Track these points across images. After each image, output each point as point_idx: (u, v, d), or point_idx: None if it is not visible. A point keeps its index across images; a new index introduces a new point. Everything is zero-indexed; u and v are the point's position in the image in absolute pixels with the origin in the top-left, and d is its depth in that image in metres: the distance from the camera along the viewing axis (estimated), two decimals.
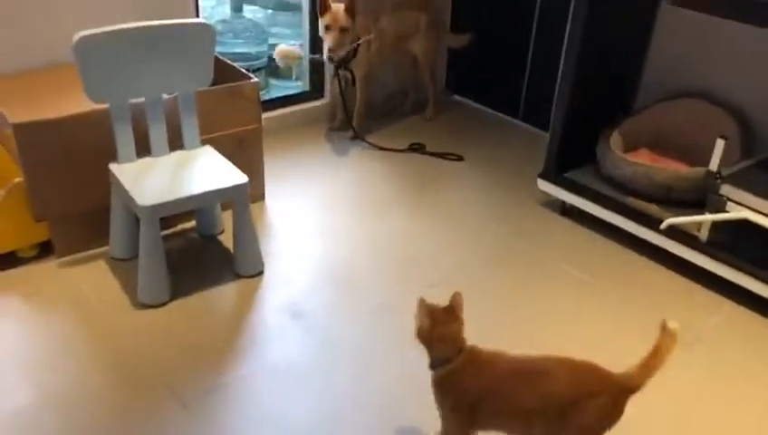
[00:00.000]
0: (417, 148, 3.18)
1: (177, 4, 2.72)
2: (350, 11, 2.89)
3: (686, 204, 2.40)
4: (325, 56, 2.99)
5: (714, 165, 2.22)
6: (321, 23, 2.92)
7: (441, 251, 2.48)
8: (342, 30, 2.90)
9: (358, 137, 3.21)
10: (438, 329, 1.52)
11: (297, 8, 3.43)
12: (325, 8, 2.90)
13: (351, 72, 3.13)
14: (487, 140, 3.31)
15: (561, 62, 2.49)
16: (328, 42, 2.92)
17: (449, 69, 3.71)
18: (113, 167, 2.16)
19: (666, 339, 1.48)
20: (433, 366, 1.55)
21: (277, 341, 2.04)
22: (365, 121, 3.28)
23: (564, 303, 2.25)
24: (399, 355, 1.97)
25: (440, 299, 2.21)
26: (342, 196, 2.80)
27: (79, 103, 2.14)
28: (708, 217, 2.24)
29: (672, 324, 1.47)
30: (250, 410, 1.80)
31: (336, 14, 2.89)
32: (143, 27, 2.08)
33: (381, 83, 3.44)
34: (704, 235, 2.29)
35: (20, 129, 2.08)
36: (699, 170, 2.34)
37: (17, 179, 2.16)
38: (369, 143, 3.18)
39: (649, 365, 1.48)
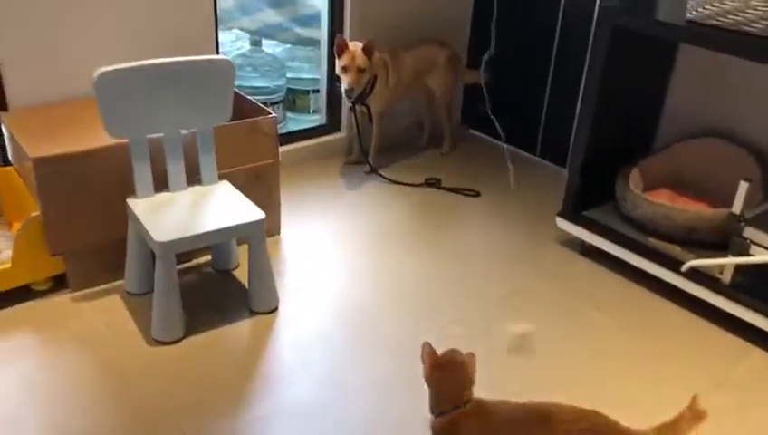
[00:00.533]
0: (433, 182, 3.17)
1: (197, 39, 2.74)
2: (368, 51, 2.91)
3: (707, 245, 2.36)
4: (343, 93, 3.00)
5: (737, 207, 2.19)
6: (339, 63, 2.93)
7: (457, 289, 2.45)
8: (360, 71, 2.91)
9: (374, 171, 3.20)
10: (439, 375, 1.50)
11: (315, 43, 3.46)
12: (342, 49, 2.91)
13: (368, 107, 3.13)
14: (504, 176, 3.29)
15: (579, 99, 2.48)
16: (345, 82, 2.93)
17: (465, 104, 3.71)
18: (131, 201, 2.16)
19: (690, 414, 1.43)
20: (432, 411, 1.52)
21: (291, 381, 2.00)
22: (381, 155, 3.28)
23: (584, 344, 2.21)
24: (414, 397, 1.92)
25: (456, 338, 2.17)
26: (358, 231, 2.78)
27: (98, 138, 2.15)
28: (732, 260, 2.20)
29: (702, 404, 1.42)
30: None
31: (353, 55, 2.90)
32: (163, 63, 2.09)
33: (397, 117, 3.44)
34: (726, 277, 2.24)
35: (39, 162, 2.08)
36: (722, 212, 2.31)
37: (34, 213, 2.16)
38: (385, 178, 3.17)
39: (663, 433, 1.43)
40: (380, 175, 3.18)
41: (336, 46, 2.92)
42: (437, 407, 1.53)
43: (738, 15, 2.10)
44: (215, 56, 2.66)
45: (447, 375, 1.51)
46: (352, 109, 3.13)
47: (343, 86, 2.95)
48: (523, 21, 3.34)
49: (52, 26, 2.42)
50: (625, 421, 1.91)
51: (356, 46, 2.91)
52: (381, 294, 2.41)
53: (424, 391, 1.57)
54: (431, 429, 1.54)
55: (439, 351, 1.56)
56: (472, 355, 1.54)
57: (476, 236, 2.80)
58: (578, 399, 1.99)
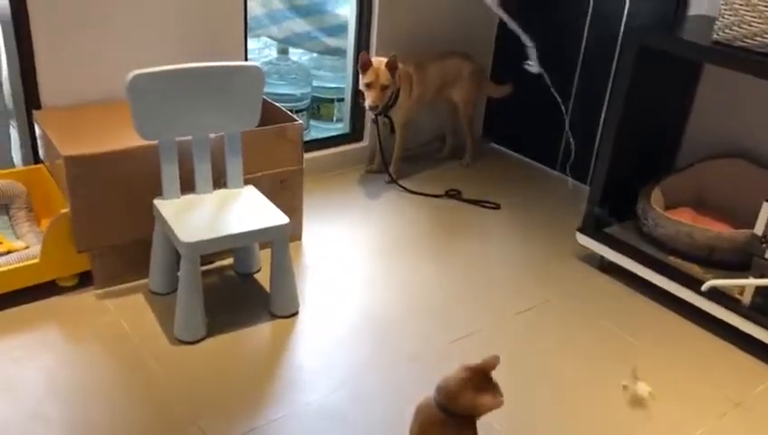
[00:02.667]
0: (453, 194, 3.19)
1: (227, 46, 2.79)
2: (391, 67, 2.94)
3: (728, 265, 2.36)
4: (367, 109, 3.04)
5: (759, 229, 2.19)
6: (363, 79, 2.96)
7: (475, 302, 2.46)
8: (383, 88, 2.95)
9: (394, 181, 3.23)
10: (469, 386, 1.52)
11: (342, 53, 3.50)
12: (367, 66, 2.94)
13: (390, 118, 3.16)
14: (525, 190, 3.30)
15: (602, 116, 2.48)
16: (369, 99, 2.96)
17: (487, 118, 3.73)
18: (158, 202, 2.20)
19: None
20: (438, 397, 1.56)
21: (310, 384, 2.02)
22: (402, 166, 3.30)
23: (600, 360, 2.21)
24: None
25: (473, 352, 2.19)
26: (378, 239, 2.81)
27: (128, 139, 2.20)
28: (753, 282, 2.20)
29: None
30: None
31: (377, 72, 2.93)
32: (195, 68, 2.13)
33: (420, 129, 3.47)
34: (747, 299, 2.24)
35: (70, 161, 2.13)
36: (744, 233, 2.31)
37: (63, 210, 2.21)
38: (406, 189, 3.19)
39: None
40: (401, 186, 3.21)
41: (360, 63, 2.95)
42: (447, 399, 1.54)
43: (765, 38, 2.12)
44: (245, 62, 2.70)
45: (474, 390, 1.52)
46: (375, 120, 3.16)
47: (367, 103, 2.98)
48: (548, 36, 3.36)
49: (88, 29, 2.47)
50: None
51: (380, 63, 2.94)
52: (400, 301, 2.43)
53: None
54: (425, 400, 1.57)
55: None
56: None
57: (495, 249, 2.82)
58: (594, 415, 2.00)
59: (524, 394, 2.05)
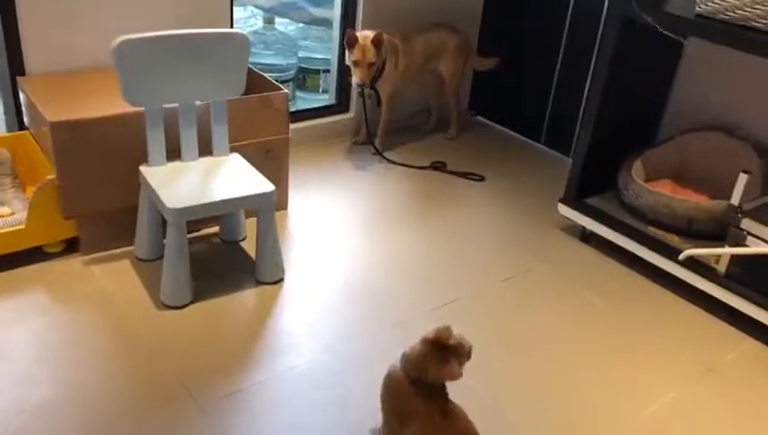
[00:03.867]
0: (438, 166, 3.22)
1: (212, 14, 2.78)
2: (377, 44, 2.94)
3: (706, 236, 2.41)
4: (353, 85, 3.05)
5: (735, 199, 2.23)
6: (349, 57, 2.97)
7: (458, 270, 2.50)
8: (370, 65, 2.96)
9: (380, 153, 3.25)
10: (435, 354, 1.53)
11: (328, 24, 3.49)
12: (353, 43, 2.94)
13: (377, 90, 3.17)
14: (509, 162, 3.34)
15: (586, 90, 2.52)
16: (356, 77, 2.97)
17: (473, 90, 3.75)
18: (143, 169, 2.21)
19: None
20: (404, 363, 1.58)
21: (295, 349, 2.06)
22: (388, 138, 3.32)
23: (580, 327, 2.27)
24: None
25: (455, 315, 2.23)
26: (363, 210, 2.84)
27: (114, 106, 2.20)
28: (728, 251, 2.25)
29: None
30: (266, 416, 1.82)
31: (364, 49, 2.93)
32: (181, 35, 2.13)
33: (405, 101, 3.48)
34: (722, 267, 2.30)
35: (56, 127, 2.13)
36: (720, 203, 2.36)
37: (49, 176, 2.21)
38: (391, 161, 3.22)
39: None
40: (387, 157, 3.23)
41: (346, 40, 2.95)
42: (413, 370, 1.56)
43: (746, 11, 2.15)
44: (231, 30, 2.69)
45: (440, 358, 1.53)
46: (361, 93, 3.17)
47: (354, 80, 2.99)
48: (533, 7, 3.38)
49: None
50: (617, 402, 1.99)
51: (366, 39, 2.94)
52: (384, 269, 2.46)
53: None
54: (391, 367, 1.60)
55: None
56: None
57: (479, 219, 2.86)
58: (573, 379, 2.05)
59: (506, 358, 2.10)
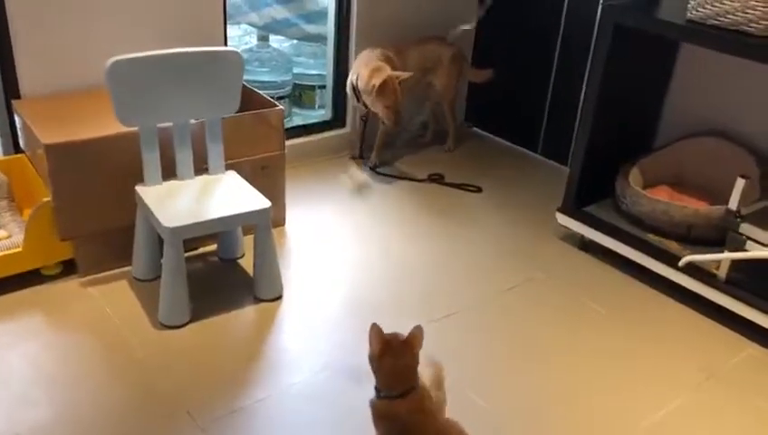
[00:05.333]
0: (436, 178, 3.21)
1: (206, 32, 2.79)
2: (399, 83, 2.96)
3: (706, 242, 2.40)
4: (359, 112, 3.12)
5: (733, 204, 2.23)
6: (381, 100, 2.94)
7: (458, 282, 2.49)
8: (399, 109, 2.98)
9: (378, 166, 3.25)
10: (388, 359, 1.52)
11: (322, 40, 3.50)
12: (393, 92, 2.92)
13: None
14: (506, 173, 3.33)
15: (582, 98, 2.52)
16: (389, 121, 2.99)
17: (469, 102, 3.76)
18: (139, 189, 2.21)
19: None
20: (378, 394, 1.55)
21: (294, 366, 2.05)
22: (385, 152, 3.32)
23: (581, 336, 2.25)
24: None
25: (455, 328, 2.22)
26: (361, 224, 2.83)
27: (108, 126, 2.20)
28: (727, 256, 2.24)
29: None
30: (266, 434, 1.80)
31: (396, 92, 2.92)
32: (174, 54, 2.14)
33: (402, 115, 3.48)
34: (722, 273, 2.28)
35: (51, 149, 2.13)
36: (719, 209, 2.35)
37: (45, 199, 2.21)
38: (389, 175, 3.21)
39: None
40: (384, 171, 3.23)
41: (381, 85, 2.88)
42: (384, 388, 1.54)
43: (737, 15, 2.15)
44: (224, 48, 2.71)
45: (398, 361, 1.53)
46: (365, 117, 3.17)
47: (386, 122, 3.01)
48: (526, 18, 3.39)
49: (67, 17, 2.47)
50: (619, 410, 1.97)
51: (392, 78, 2.91)
52: (383, 284, 2.45)
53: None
54: (371, 407, 1.56)
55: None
56: (418, 328, 1.55)
57: (478, 230, 2.85)
58: (574, 388, 2.04)
59: (507, 369, 2.09)
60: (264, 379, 1.98)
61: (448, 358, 2.10)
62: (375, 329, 1.54)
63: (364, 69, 2.98)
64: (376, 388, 1.56)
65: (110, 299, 2.24)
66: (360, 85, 2.99)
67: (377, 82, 2.90)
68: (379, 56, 3.02)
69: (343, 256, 2.60)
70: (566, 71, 3.28)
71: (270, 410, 1.88)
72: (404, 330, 2.18)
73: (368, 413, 1.88)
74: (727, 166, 2.54)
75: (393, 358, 1.52)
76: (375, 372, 1.55)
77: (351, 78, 3.07)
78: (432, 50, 3.28)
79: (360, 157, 3.33)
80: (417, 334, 1.54)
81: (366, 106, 3.07)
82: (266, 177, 2.56)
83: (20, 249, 2.21)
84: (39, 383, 1.90)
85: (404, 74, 2.98)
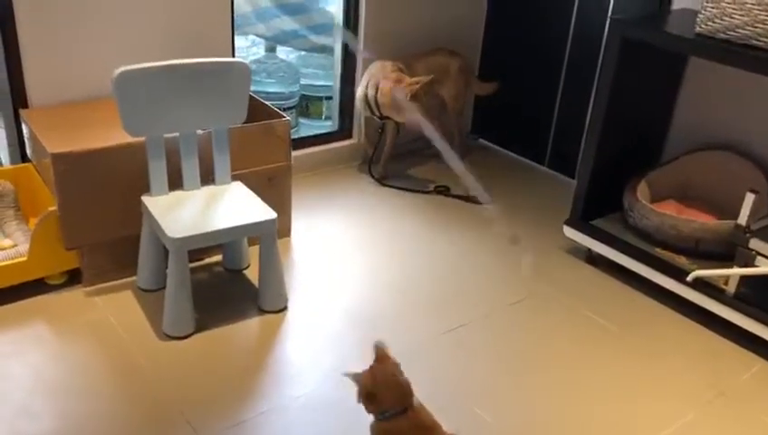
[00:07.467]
0: (442, 190, 3.20)
1: (214, 43, 2.79)
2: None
3: (714, 256, 2.38)
4: (377, 121, 3.12)
5: (743, 219, 2.21)
6: (410, 108, 2.96)
7: (464, 295, 2.48)
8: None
9: (384, 178, 3.24)
10: (380, 387, 1.54)
11: (329, 51, 3.51)
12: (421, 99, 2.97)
13: (387, 118, 3.15)
14: (513, 185, 3.32)
15: (589, 111, 2.51)
16: (418, 124, 2.99)
17: (475, 113, 3.75)
18: (145, 199, 2.20)
19: None
20: (377, 417, 1.56)
21: (299, 378, 2.03)
22: (391, 163, 3.32)
23: (588, 351, 2.23)
24: (422, 396, 1.95)
25: (464, 343, 2.20)
26: (367, 236, 2.82)
27: (115, 136, 2.20)
28: (737, 271, 2.22)
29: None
30: None
31: (422, 99, 2.97)
32: (181, 64, 2.14)
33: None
34: (731, 288, 2.26)
35: (57, 158, 2.13)
36: (728, 223, 2.33)
37: (51, 208, 2.21)
38: (395, 186, 3.21)
39: None
40: (390, 182, 3.22)
41: (415, 95, 2.93)
42: (381, 409, 1.55)
43: (747, 29, 2.14)
44: (231, 59, 2.71)
45: (392, 380, 1.55)
46: (381, 128, 3.18)
47: (419, 127, 3.02)
48: (534, 31, 3.39)
49: (75, 27, 2.48)
50: (628, 427, 1.95)
51: (422, 86, 2.96)
52: (389, 295, 2.44)
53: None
54: (371, 430, 1.57)
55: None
56: (378, 345, 1.61)
57: (483, 243, 2.83)
58: (580, 404, 2.01)
59: (515, 384, 2.07)
60: (267, 391, 1.97)
61: (453, 372, 2.10)
62: (350, 375, 1.57)
63: (384, 81, 2.98)
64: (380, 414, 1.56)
65: (115, 309, 2.24)
66: (380, 98, 2.99)
67: (409, 90, 2.93)
68: (392, 68, 3.02)
69: (349, 268, 2.59)
70: (574, 83, 3.27)
71: (273, 422, 1.86)
72: (408, 343, 2.18)
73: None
74: (735, 180, 2.53)
75: (384, 385, 1.55)
76: (373, 404, 1.55)
77: (365, 91, 3.06)
78: (439, 61, 3.28)
79: (369, 168, 3.33)
80: (381, 353, 1.58)
81: (382, 117, 3.06)
82: (272, 187, 2.56)
83: (25, 258, 2.21)
84: (42, 393, 1.89)
85: (425, 78, 2.99)
